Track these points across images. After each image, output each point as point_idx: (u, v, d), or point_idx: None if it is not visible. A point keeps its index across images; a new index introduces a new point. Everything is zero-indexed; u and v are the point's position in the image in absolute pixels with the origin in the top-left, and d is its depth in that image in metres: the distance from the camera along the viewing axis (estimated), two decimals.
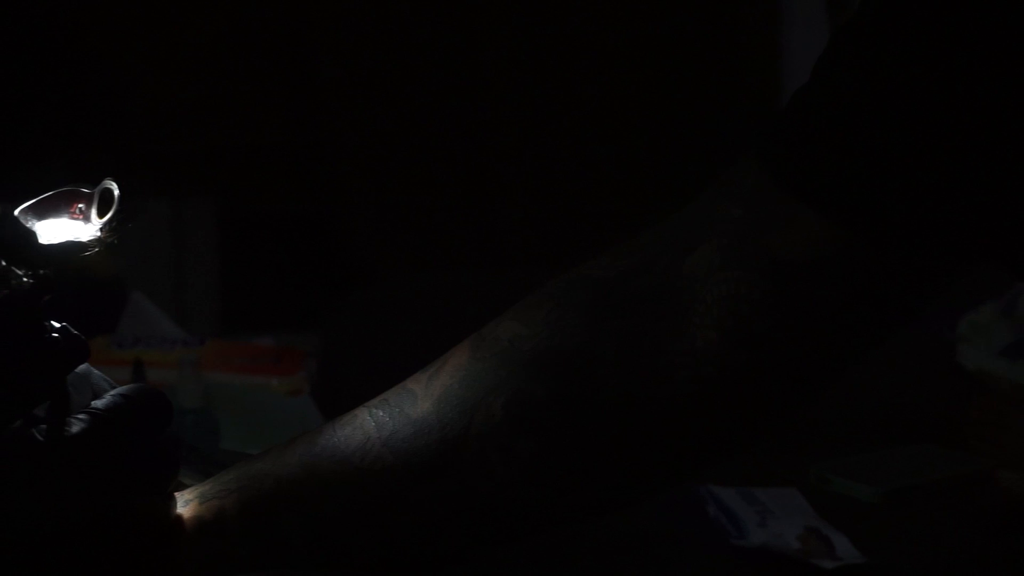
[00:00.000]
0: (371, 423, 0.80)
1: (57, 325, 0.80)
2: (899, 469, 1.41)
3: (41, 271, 0.79)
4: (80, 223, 0.83)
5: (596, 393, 0.76)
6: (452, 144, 2.67)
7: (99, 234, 0.83)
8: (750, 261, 0.75)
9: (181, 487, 0.86)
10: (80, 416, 0.79)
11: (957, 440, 1.47)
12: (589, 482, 0.78)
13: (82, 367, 0.82)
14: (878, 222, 0.73)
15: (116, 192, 0.83)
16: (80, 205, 0.82)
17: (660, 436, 0.78)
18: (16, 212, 0.82)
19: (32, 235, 0.83)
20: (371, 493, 0.79)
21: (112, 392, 0.81)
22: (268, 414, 1.60)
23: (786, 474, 1.38)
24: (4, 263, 0.79)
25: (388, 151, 2.66)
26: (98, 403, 0.80)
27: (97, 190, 0.82)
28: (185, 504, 0.83)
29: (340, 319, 1.97)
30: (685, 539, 1.29)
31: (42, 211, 0.82)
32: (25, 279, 0.79)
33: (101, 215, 0.83)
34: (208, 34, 2.54)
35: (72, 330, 0.80)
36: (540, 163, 2.71)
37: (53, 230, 0.83)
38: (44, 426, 0.78)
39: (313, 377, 1.68)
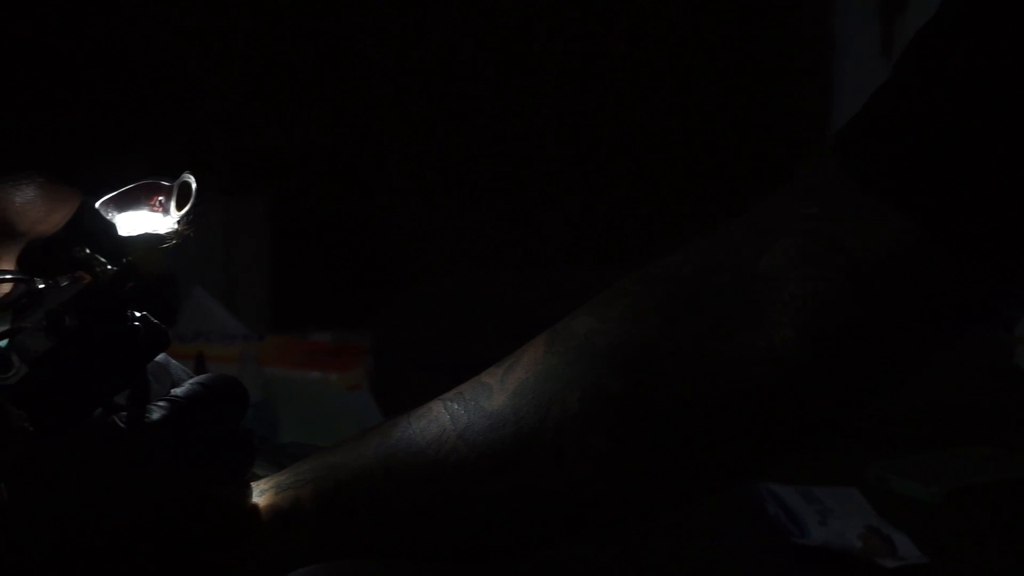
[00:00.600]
0: (446, 416, 0.80)
1: (138, 314, 0.81)
2: (959, 469, 1.41)
3: (125, 260, 0.80)
4: (159, 215, 0.84)
5: (671, 388, 0.77)
6: (495, 146, 2.68)
7: (176, 227, 0.84)
8: (827, 259, 0.75)
9: (254, 478, 0.87)
10: (160, 403, 0.80)
11: (1016, 440, 1.47)
12: (661, 477, 0.79)
13: (161, 356, 0.84)
14: (957, 222, 0.73)
15: (194, 185, 0.84)
16: (160, 198, 0.84)
17: (733, 432, 0.78)
18: (97, 204, 0.84)
19: (112, 227, 0.84)
20: (445, 485, 0.79)
21: (191, 381, 0.82)
22: (327, 408, 1.61)
23: (845, 474, 1.38)
24: (88, 252, 0.81)
25: (433, 153, 2.67)
26: (178, 391, 0.81)
27: (176, 183, 0.84)
28: (260, 494, 0.84)
29: (390, 317, 1.98)
30: (745, 537, 1.29)
31: (123, 203, 0.83)
32: (109, 268, 0.80)
33: (179, 208, 0.84)
34: (260, 36, 2.56)
35: (152, 319, 0.81)
36: (582, 165, 2.72)
37: (132, 222, 0.84)
38: (125, 413, 0.80)
39: (370, 372, 1.69)
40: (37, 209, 0.82)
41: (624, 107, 2.71)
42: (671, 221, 2.65)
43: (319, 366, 1.69)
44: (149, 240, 0.84)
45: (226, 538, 0.81)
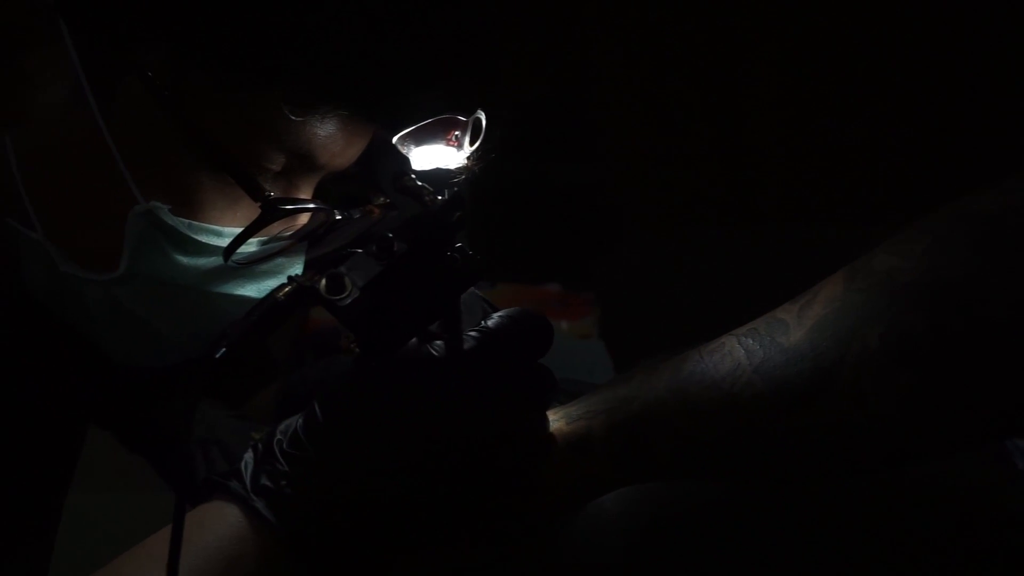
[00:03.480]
0: (740, 351, 0.81)
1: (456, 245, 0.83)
2: None
3: (454, 189, 0.83)
4: (452, 150, 0.86)
5: (979, 325, 0.76)
6: (706, 101, 2.67)
7: (466, 162, 0.86)
8: None
9: None
10: (473, 333, 0.83)
11: None
12: (962, 415, 0.79)
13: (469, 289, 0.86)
14: None
15: (484, 122, 0.86)
16: (456, 132, 0.86)
17: None
18: (395, 139, 0.86)
19: (407, 161, 0.86)
20: (740, 418, 0.80)
21: (500, 313, 0.84)
22: (559, 356, 1.63)
23: None
24: (420, 183, 0.83)
25: (645, 110, 2.67)
26: (489, 322, 0.83)
27: (471, 119, 0.85)
28: (553, 424, 0.86)
29: (611, 271, 2.00)
30: (993, 493, 1.27)
31: (421, 137, 0.85)
32: (439, 197, 0.82)
33: (471, 143, 0.86)
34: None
35: (468, 250, 0.83)
36: (795, 118, 2.69)
37: (426, 156, 0.86)
38: (439, 342, 0.82)
39: (599, 322, 1.71)
40: (337, 143, 0.85)
41: (838, 64, 2.67)
42: (882, 179, 2.61)
43: (549, 314, 1.71)
44: (441, 175, 0.86)
45: (528, 463, 0.83)
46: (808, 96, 2.68)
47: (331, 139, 0.84)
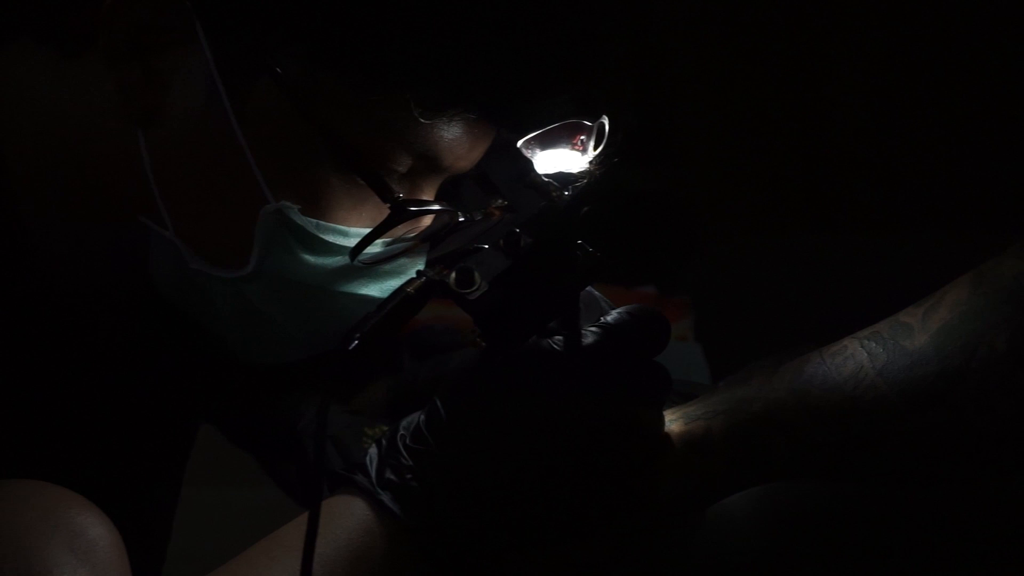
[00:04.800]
0: (863, 353, 0.82)
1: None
2: None
3: (583, 181, 0.84)
4: (577, 154, 0.87)
5: None
6: (787, 109, 2.66)
7: (588, 166, 0.87)
8: None
9: None
10: (593, 329, 0.84)
11: None
12: None
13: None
14: None
15: (607, 127, 0.87)
16: (582, 137, 0.87)
17: None
18: (519, 143, 0.87)
19: (528, 163, 0.88)
20: (862, 421, 0.81)
21: (619, 310, 0.86)
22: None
23: None
24: (543, 177, 0.84)
25: (724, 118, 2.67)
26: (608, 318, 0.85)
27: (596, 124, 0.87)
28: (669, 423, 0.87)
29: (704, 275, 2.01)
30: None
31: (546, 141, 0.87)
32: (565, 192, 0.83)
33: (595, 148, 0.87)
34: None
35: (588, 247, 0.84)
36: (877, 129, 2.67)
37: (550, 160, 0.87)
38: (559, 337, 0.83)
39: (695, 325, 1.72)
40: (462, 145, 0.86)
41: (923, 77, 2.65)
42: (971, 187, 2.59)
43: None
44: (563, 178, 0.87)
45: (644, 461, 0.84)
46: (892, 108, 2.66)
47: (457, 142, 0.86)
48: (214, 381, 1.09)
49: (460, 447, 0.82)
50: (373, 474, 0.83)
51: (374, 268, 0.88)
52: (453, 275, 0.82)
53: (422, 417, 0.84)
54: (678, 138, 2.64)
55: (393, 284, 0.89)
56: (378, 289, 0.88)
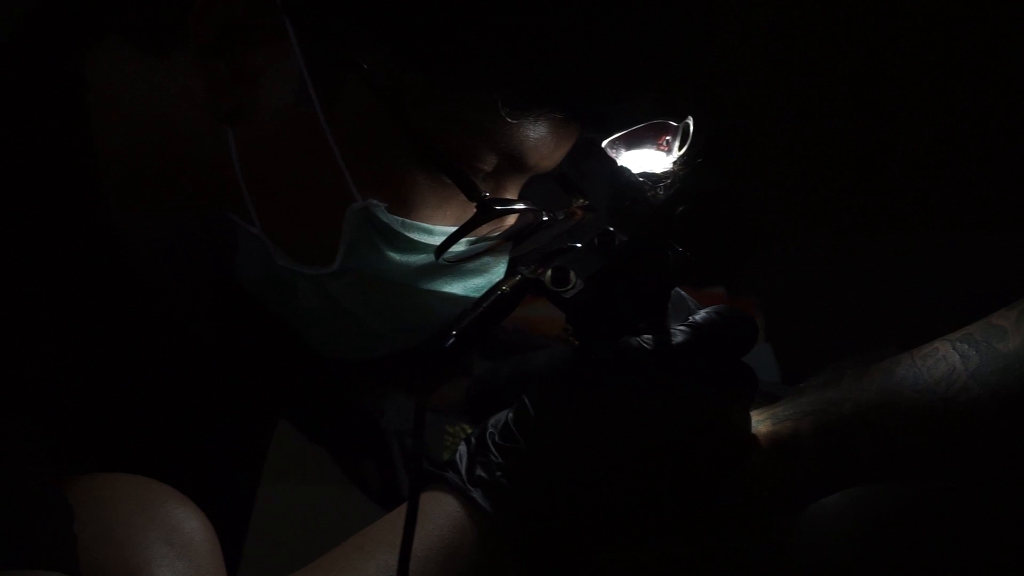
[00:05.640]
0: (955, 356, 0.82)
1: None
2: None
3: (666, 181, 0.84)
4: (661, 155, 0.87)
5: None
6: (855, 110, 2.64)
7: (671, 167, 0.87)
8: None
9: None
10: (682, 328, 0.84)
11: None
12: None
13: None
14: None
15: (692, 128, 0.87)
16: (667, 137, 0.87)
17: None
18: (604, 143, 0.87)
19: (612, 163, 0.87)
20: (954, 423, 0.80)
21: (707, 309, 0.85)
22: None
23: None
24: (636, 175, 0.84)
25: (785, 113, 2.65)
26: (697, 317, 0.85)
27: (682, 124, 0.86)
28: (757, 424, 0.87)
29: (772, 275, 2.00)
30: None
31: (632, 141, 0.87)
32: (660, 191, 0.84)
33: (679, 148, 0.87)
34: None
35: (678, 248, 0.84)
36: (951, 129, 2.65)
37: (635, 160, 0.87)
38: (649, 336, 0.83)
39: (765, 326, 1.71)
40: (547, 145, 0.87)
41: (997, 62, 2.63)
42: None
43: None
44: (648, 178, 0.87)
45: (731, 461, 0.84)
46: (957, 100, 2.63)
47: (542, 141, 0.86)
48: (294, 377, 1.10)
49: (550, 445, 0.82)
50: (463, 471, 0.83)
51: (458, 266, 0.88)
52: (549, 273, 0.82)
53: (511, 415, 0.84)
54: (748, 137, 2.64)
55: (477, 282, 0.89)
56: (461, 287, 0.89)
